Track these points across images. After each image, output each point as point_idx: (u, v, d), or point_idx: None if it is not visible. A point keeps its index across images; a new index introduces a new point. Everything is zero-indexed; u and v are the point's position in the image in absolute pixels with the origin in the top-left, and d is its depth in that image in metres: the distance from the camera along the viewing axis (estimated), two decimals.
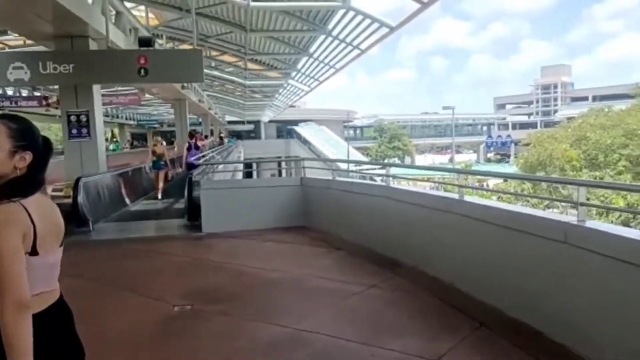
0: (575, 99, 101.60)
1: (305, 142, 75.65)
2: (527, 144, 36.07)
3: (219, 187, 8.35)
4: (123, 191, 11.78)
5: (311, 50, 19.17)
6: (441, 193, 5.63)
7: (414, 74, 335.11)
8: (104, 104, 28.18)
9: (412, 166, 39.60)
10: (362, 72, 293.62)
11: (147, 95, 32.34)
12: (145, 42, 9.76)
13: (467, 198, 4.88)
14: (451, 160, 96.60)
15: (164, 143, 16.40)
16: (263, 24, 16.26)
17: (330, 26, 15.25)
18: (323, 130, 79.84)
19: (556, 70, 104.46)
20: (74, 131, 10.38)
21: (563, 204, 19.56)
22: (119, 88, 27.32)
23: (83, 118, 10.37)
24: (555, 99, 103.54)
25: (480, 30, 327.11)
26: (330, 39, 16.45)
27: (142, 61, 9.58)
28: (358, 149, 79.71)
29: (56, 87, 19.73)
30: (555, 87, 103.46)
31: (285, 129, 78.04)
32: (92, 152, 10.47)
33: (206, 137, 28.47)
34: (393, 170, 7.87)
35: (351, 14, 13.31)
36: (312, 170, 9.15)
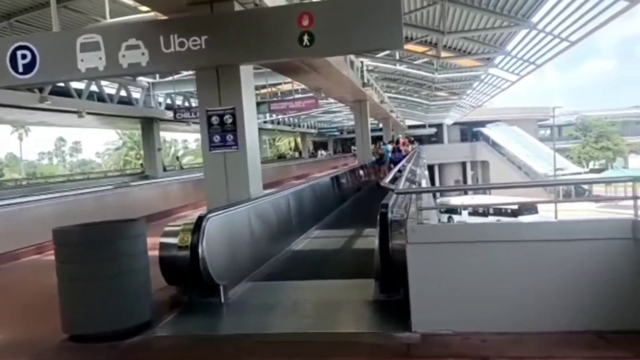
0: None
1: (493, 144, 68.47)
2: None
3: (444, 241, 4.10)
4: (291, 219, 8.39)
5: (534, 19, 14.00)
6: None
7: (616, 64, 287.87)
8: (279, 112, 26.47)
9: None
10: (552, 67, 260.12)
11: (327, 101, 30.03)
12: None
13: None
14: None
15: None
16: None
17: None
18: (514, 131, 71.48)
19: None
20: (216, 138, 7.20)
21: None
22: (297, 95, 25.02)
23: (228, 119, 7.14)
24: None
25: None
26: None
27: (305, 22, 5.90)
28: (556, 150, 69.50)
29: None
30: None
31: (470, 132, 71.53)
32: (240, 168, 7.17)
33: (412, 142, 27.39)
34: None
35: None
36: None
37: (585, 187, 55.61)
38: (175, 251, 5.03)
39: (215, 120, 7.14)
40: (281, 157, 52.13)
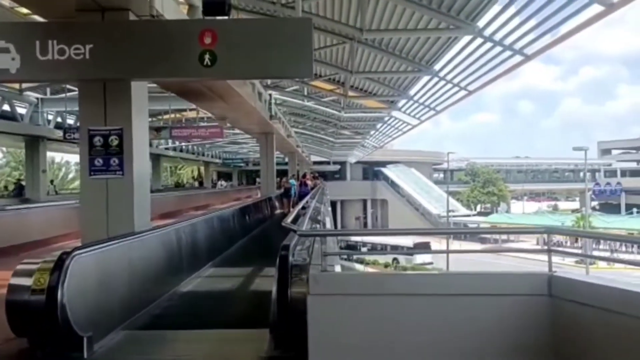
0: None
1: (392, 184, 71.33)
2: None
3: (350, 292, 3.66)
4: (181, 256, 7.57)
5: (436, 67, 14.62)
6: None
7: (499, 117, 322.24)
8: (182, 139, 25.30)
9: None
10: (446, 116, 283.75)
11: (233, 131, 29.27)
12: (213, 7, 5.59)
13: None
14: (555, 208, 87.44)
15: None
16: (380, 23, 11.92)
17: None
18: (412, 173, 75.14)
19: None
20: (98, 162, 6.33)
21: None
22: (202, 123, 23.96)
23: (114, 140, 6.31)
24: None
25: (571, 75, 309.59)
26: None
27: (208, 40, 5.36)
28: (448, 193, 73.91)
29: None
30: None
31: (371, 171, 74.05)
32: (125, 197, 6.32)
33: (316, 177, 28.25)
34: None
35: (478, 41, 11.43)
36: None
37: (474, 225, 59.24)
38: (27, 295, 4.11)
39: (98, 141, 6.29)
40: (178, 185, 49.53)
